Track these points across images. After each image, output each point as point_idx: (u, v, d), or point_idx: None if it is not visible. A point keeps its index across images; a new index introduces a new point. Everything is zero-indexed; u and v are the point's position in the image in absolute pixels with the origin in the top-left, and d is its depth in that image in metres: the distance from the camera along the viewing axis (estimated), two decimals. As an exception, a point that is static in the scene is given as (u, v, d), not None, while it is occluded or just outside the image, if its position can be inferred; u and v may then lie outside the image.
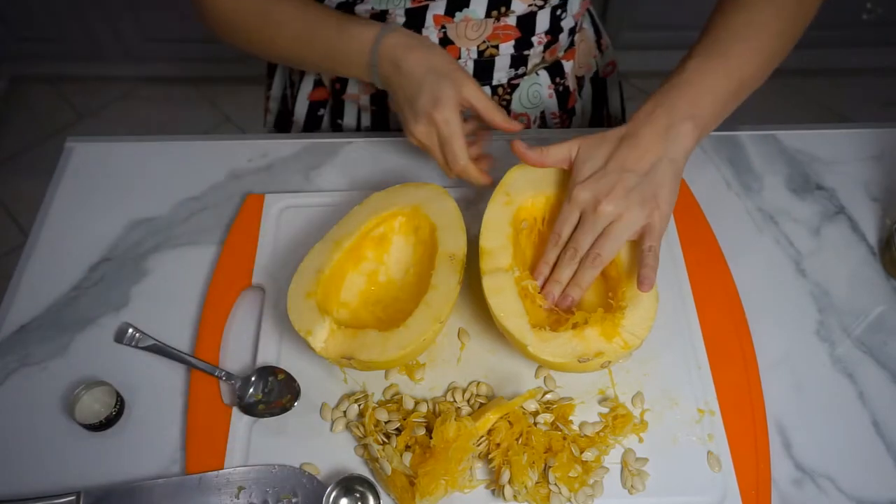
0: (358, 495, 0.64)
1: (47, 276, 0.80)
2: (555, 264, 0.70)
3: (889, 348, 0.74)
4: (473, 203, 0.83)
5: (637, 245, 0.69)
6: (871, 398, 0.71)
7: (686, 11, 2.10)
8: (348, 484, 0.64)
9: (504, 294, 0.68)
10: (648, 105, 0.69)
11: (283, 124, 1.09)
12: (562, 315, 0.70)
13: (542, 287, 0.70)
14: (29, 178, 2.12)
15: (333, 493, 0.63)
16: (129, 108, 2.32)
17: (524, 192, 0.74)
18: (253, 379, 0.71)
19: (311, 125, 1.01)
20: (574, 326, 0.67)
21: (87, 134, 0.95)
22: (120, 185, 0.88)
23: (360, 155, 0.90)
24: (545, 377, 0.71)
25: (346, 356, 0.66)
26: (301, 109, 1.01)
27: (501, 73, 0.91)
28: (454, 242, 0.72)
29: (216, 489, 0.65)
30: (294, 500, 0.65)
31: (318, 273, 0.70)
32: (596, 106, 1.04)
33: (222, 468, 0.67)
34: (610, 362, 0.65)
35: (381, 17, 0.84)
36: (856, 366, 0.73)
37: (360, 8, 0.83)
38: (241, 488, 0.66)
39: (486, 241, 0.71)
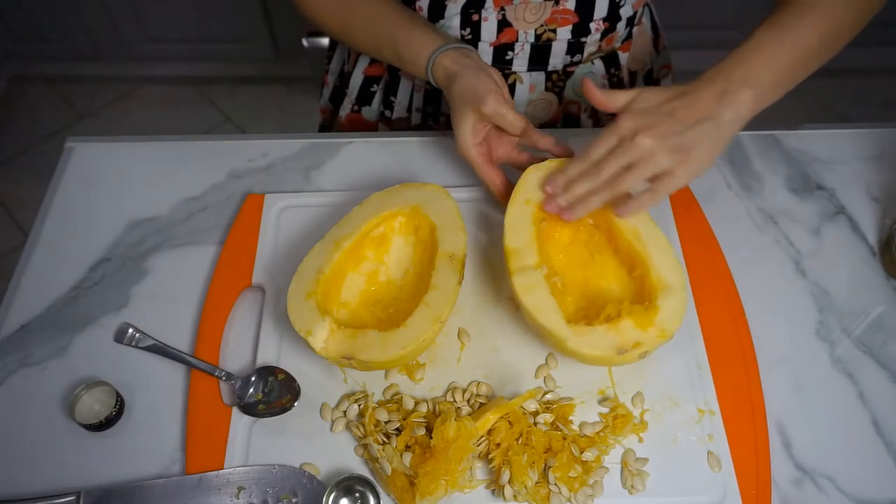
0: (358, 495, 0.64)
1: (47, 276, 0.80)
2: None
3: (889, 348, 0.74)
4: (477, 202, 0.83)
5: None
6: (871, 398, 0.71)
7: (727, 11, 2.11)
8: (348, 484, 0.64)
9: (536, 291, 0.68)
10: (711, 71, 0.70)
11: (338, 98, 1.09)
12: (589, 310, 0.70)
13: (548, 196, 0.71)
14: (29, 178, 2.11)
15: (333, 493, 0.63)
16: (129, 108, 2.32)
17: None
18: (253, 379, 0.71)
19: (364, 99, 1.02)
20: (608, 319, 0.67)
21: (87, 134, 0.95)
22: (120, 185, 0.88)
23: (360, 155, 0.90)
24: (545, 377, 0.71)
25: (346, 356, 0.66)
26: (356, 82, 1.01)
27: (557, 59, 0.91)
28: (454, 242, 0.72)
29: (216, 489, 0.65)
30: (294, 500, 0.65)
31: (317, 273, 0.70)
32: None
33: (222, 468, 0.67)
34: (647, 352, 0.65)
35: (440, 2, 0.85)
36: (856, 366, 0.73)
37: None
38: (241, 488, 0.65)
39: (510, 241, 0.71)
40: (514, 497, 0.64)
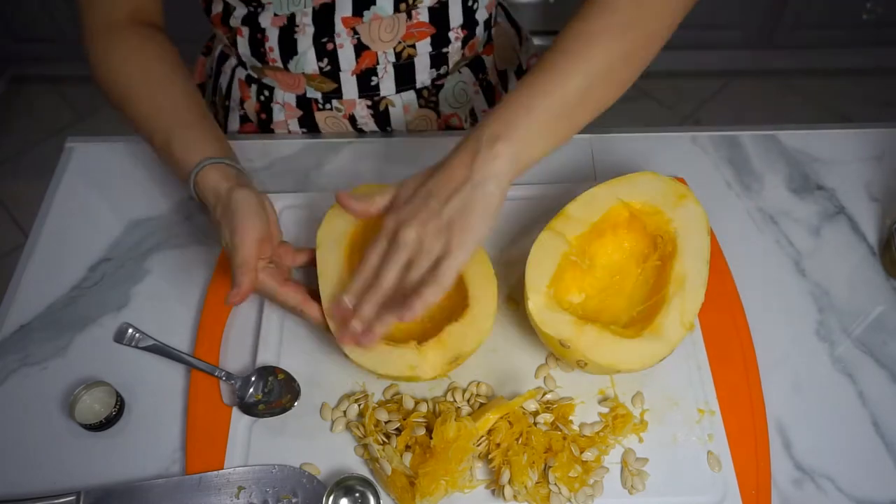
0: (358, 495, 0.64)
1: (47, 276, 0.80)
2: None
3: (889, 348, 0.74)
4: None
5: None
6: (871, 398, 0.71)
7: (727, 11, 2.10)
8: (348, 484, 0.64)
9: (547, 249, 0.69)
10: (465, 134, 0.65)
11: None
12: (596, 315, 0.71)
13: (338, 320, 0.65)
14: (29, 178, 2.11)
15: (333, 493, 0.63)
16: (129, 108, 2.32)
17: (640, 195, 0.73)
18: (253, 379, 0.71)
19: None
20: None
21: (87, 134, 0.94)
22: (120, 185, 0.88)
23: (360, 155, 0.90)
24: (545, 377, 0.71)
25: (452, 360, 0.67)
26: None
27: (423, 75, 0.90)
28: None
29: (216, 489, 0.65)
30: (294, 500, 0.65)
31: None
32: None
33: (222, 468, 0.67)
34: (586, 364, 0.66)
35: (290, 22, 0.82)
36: (856, 366, 0.73)
37: (263, 16, 0.82)
38: (241, 488, 0.66)
39: (572, 208, 0.72)
40: (514, 497, 0.64)
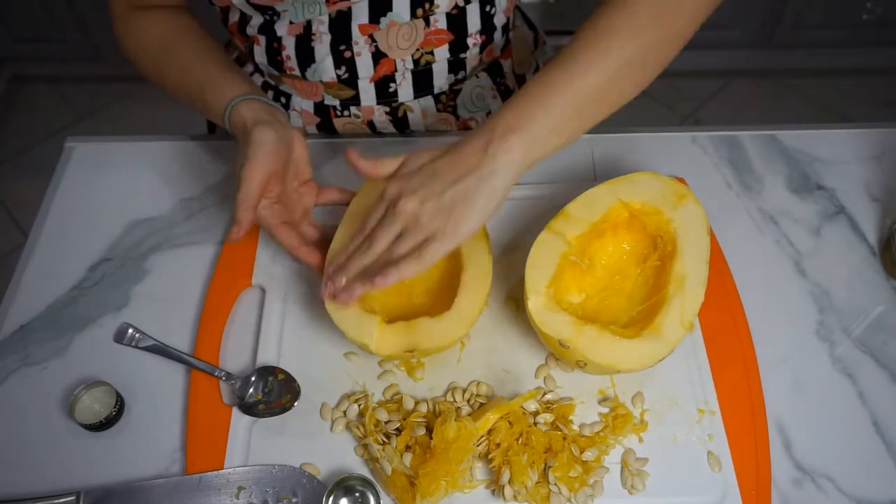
0: (358, 495, 0.64)
1: (47, 276, 0.80)
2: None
3: (889, 348, 0.74)
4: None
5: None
6: (871, 398, 0.71)
7: (726, 11, 2.10)
8: (348, 484, 0.64)
9: (546, 249, 0.69)
10: (481, 123, 0.66)
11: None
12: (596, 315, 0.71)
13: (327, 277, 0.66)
14: (29, 178, 2.11)
15: (333, 493, 0.63)
16: (129, 108, 2.32)
17: (639, 195, 0.73)
18: (253, 379, 0.71)
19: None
20: (625, 326, 0.68)
21: (87, 134, 0.94)
22: (120, 185, 0.88)
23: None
24: (545, 377, 0.71)
25: (408, 349, 0.66)
26: None
27: (441, 80, 0.90)
28: None
29: (216, 489, 0.65)
30: (294, 500, 0.65)
31: None
32: None
33: (222, 468, 0.67)
34: (586, 364, 0.66)
35: (306, 31, 0.82)
36: (856, 366, 0.73)
37: (279, 24, 0.81)
38: (241, 488, 0.66)
39: (572, 208, 0.72)
40: (514, 497, 0.64)
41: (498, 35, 0.90)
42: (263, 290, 0.78)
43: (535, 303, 0.67)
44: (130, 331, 0.75)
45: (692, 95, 2.22)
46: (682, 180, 0.85)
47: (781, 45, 2.20)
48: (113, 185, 0.88)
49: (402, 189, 0.63)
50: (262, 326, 0.75)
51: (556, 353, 0.68)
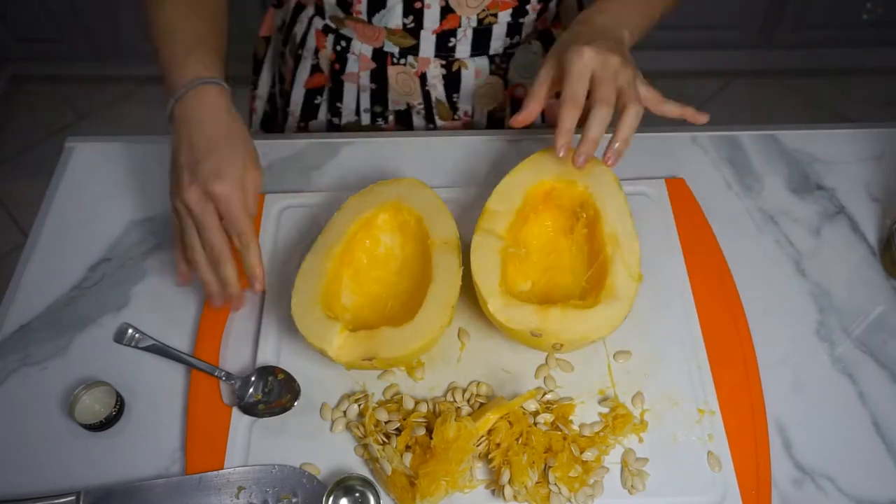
0: (358, 495, 0.64)
1: (47, 276, 0.80)
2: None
3: (889, 348, 0.74)
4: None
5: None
6: (871, 398, 0.71)
7: (726, 11, 2.10)
8: (348, 484, 0.64)
9: (485, 251, 0.70)
10: (582, 27, 0.75)
11: (270, 124, 1.09)
12: (547, 297, 0.72)
13: (568, 150, 0.70)
14: (29, 178, 2.11)
15: (333, 493, 0.63)
16: (129, 108, 2.32)
17: (548, 173, 0.75)
18: (253, 379, 0.71)
19: (309, 114, 1.02)
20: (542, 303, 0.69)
21: (87, 134, 0.94)
22: (120, 185, 0.88)
23: (360, 155, 0.90)
24: (545, 377, 0.71)
25: (366, 357, 0.66)
26: (297, 99, 1.01)
27: (498, 43, 0.93)
28: (444, 228, 0.72)
29: (216, 489, 0.65)
30: (294, 500, 0.65)
31: (316, 282, 0.70)
32: None
33: (222, 468, 0.67)
34: (562, 346, 0.66)
35: None
36: (856, 366, 0.73)
37: None
38: (241, 488, 0.66)
39: (493, 203, 0.73)
40: (514, 497, 0.64)
41: (553, 5, 0.94)
42: (263, 290, 0.78)
43: (495, 304, 0.67)
44: (130, 331, 0.75)
45: (692, 95, 2.21)
46: (681, 180, 0.85)
47: (781, 45, 2.20)
48: (113, 185, 0.88)
49: (598, 48, 0.70)
50: (262, 326, 0.75)
51: (529, 344, 0.69)
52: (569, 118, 0.69)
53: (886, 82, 2.25)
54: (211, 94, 0.71)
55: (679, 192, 0.84)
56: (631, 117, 0.69)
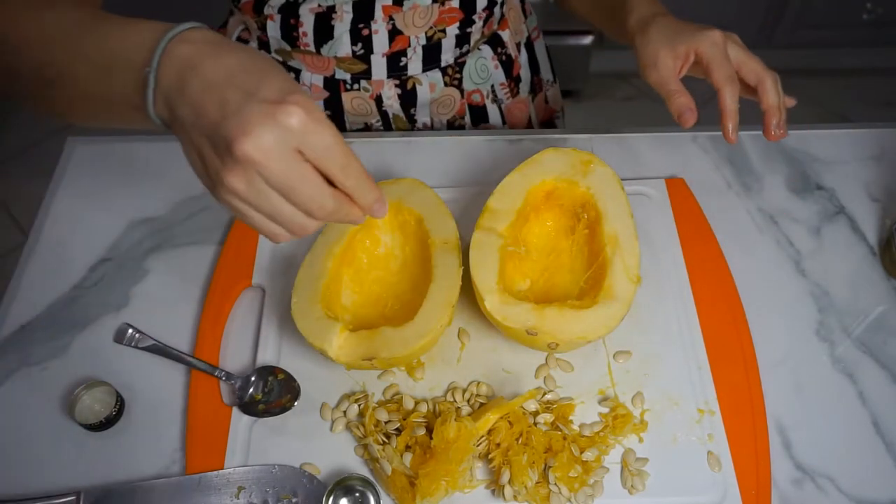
0: (358, 495, 0.64)
1: (47, 276, 0.80)
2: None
3: (889, 348, 0.74)
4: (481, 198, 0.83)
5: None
6: (871, 398, 0.71)
7: (726, 11, 2.10)
8: (348, 484, 0.64)
9: (485, 249, 0.70)
10: (643, 11, 0.79)
11: None
12: (546, 296, 0.72)
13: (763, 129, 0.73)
14: (29, 177, 2.11)
15: (333, 493, 0.63)
16: (129, 108, 2.32)
17: (550, 172, 0.75)
18: (253, 379, 0.71)
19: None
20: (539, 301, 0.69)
21: (87, 134, 0.94)
22: (120, 185, 0.88)
23: (361, 155, 0.89)
24: (545, 377, 0.71)
25: (366, 357, 0.66)
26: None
27: (448, 55, 0.93)
28: (444, 229, 0.72)
29: (216, 489, 0.65)
30: (294, 500, 0.65)
31: (316, 282, 0.70)
32: (532, 71, 1.06)
33: (222, 468, 0.67)
34: (558, 345, 0.66)
35: (328, 10, 0.84)
36: (856, 366, 0.73)
37: (303, 6, 0.83)
38: (241, 488, 0.66)
39: (494, 201, 0.73)
40: (514, 497, 0.64)
41: (497, 9, 0.94)
42: (263, 290, 0.78)
43: (492, 301, 0.67)
44: (130, 331, 0.75)
45: (692, 95, 2.21)
46: (681, 180, 0.85)
47: (781, 45, 2.20)
48: (113, 185, 0.88)
49: (712, 30, 0.74)
50: (262, 326, 0.75)
51: (525, 342, 0.69)
52: (733, 99, 0.72)
53: (886, 82, 2.25)
54: (204, 30, 0.51)
55: (679, 192, 0.84)
56: (776, 82, 0.72)
